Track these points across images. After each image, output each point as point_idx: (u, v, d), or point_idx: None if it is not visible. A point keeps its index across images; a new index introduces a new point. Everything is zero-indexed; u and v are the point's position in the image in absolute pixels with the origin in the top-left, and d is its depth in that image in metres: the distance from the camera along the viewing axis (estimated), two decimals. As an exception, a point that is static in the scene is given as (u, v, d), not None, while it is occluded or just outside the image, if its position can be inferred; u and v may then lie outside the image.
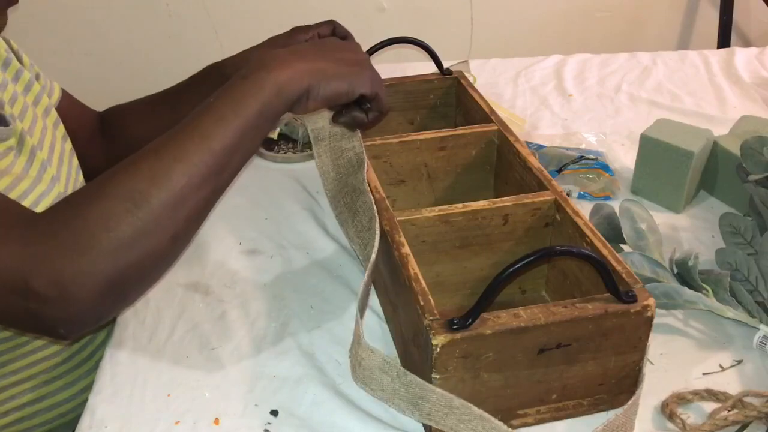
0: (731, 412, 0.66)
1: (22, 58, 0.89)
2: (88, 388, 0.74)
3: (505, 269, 0.58)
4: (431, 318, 0.60)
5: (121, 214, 0.56)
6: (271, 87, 0.63)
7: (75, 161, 0.90)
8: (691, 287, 0.77)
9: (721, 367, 0.73)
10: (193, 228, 0.62)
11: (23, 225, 0.57)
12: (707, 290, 0.77)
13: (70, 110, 0.95)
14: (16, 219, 0.58)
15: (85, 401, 0.71)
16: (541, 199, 0.76)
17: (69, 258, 0.55)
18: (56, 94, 0.94)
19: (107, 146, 0.99)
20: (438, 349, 0.59)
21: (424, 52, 0.99)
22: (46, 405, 0.83)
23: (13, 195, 0.72)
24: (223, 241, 0.91)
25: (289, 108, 0.66)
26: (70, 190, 0.84)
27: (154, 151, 0.60)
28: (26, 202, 0.73)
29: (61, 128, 0.89)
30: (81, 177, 0.90)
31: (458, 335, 0.59)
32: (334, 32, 0.90)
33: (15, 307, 0.56)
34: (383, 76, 1.02)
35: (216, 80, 0.90)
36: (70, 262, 0.55)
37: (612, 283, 0.61)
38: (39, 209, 0.73)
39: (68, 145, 0.89)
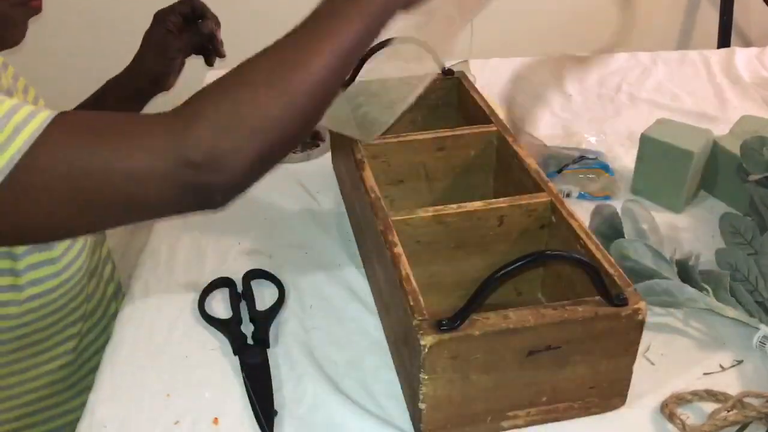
0: (731, 413, 0.66)
1: (8, 68, 0.87)
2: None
3: (494, 273, 0.58)
4: (420, 318, 0.60)
5: (268, 99, 0.62)
6: None
7: None
8: (691, 287, 0.77)
9: (721, 367, 0.73)
10: (322, 111, 0.68)
11: (168, 117, 0.62)
12: (707, 290, 0.77)
13: None
14: (155, 117, 0.63)
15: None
16: (537, 200, 0.76)
17: (223, 135, 0.61)
18: None
19: None
20: (426, 350, 0.59)
21: (425, 52, 0.99)
22: (41, 418, 0.83)
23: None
24: (222, 241, 0.91)
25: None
26: None
27: (292, 43, 0.65)
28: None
29: None
30: None
31: (447, 336, 0.59)
32: (192, 7, 0.96)
33: (178, 181, 0.61)
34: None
35: (118, 93, 0.99)
36: (224, 139, 0.60)
37: (602, 286, 0.61)
38: None
39: None
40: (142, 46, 0.98)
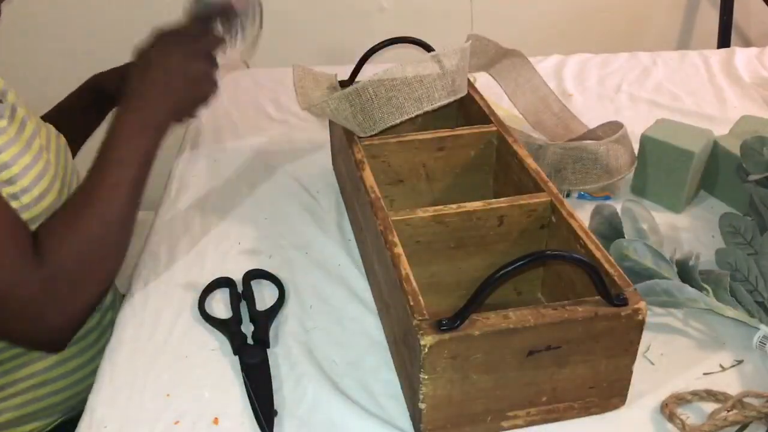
0: (731, 413, 0.66)
1: None
2: (83, 366, 0.77)
3: (495, 273, 0.58)
4: (420, 318, 0.60)
5: (109, 256, 0.75)
6: (149, 133, 0.77)
7: (69, 156, 0.91)
8: (691, 287, 0.77)
9: (721, 367, 0.73)
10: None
11: (30, 272, 0.69)
12: (707, 290, 0.77)
13: None
14: (15, 254, 0.69)
15: (84, 400, 0.71)
16: (537, 200, 0.76)
17: (77, 316, 0.74)
18: None
19: None
20: (426, 350, 0.59)
21: (425, 52, 0.99)
22: (44, 405, 0.83)
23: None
24: (223, 241, 0.91)
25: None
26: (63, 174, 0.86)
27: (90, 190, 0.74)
28: (33, 172, 0.78)
29: (52, 127, 0.90)
30: (75, 172, 0.91)
31: (447, 336, 0.59)
32: None
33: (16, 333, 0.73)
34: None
35: (96, 95, 1.02)
36: (78, 319, 0.74)
37: (602, 286, 0.61)
38: (42, 183, 0.78)
39: (62, 140, 0.90)
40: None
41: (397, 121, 0.84)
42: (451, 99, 0.86)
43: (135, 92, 0.78)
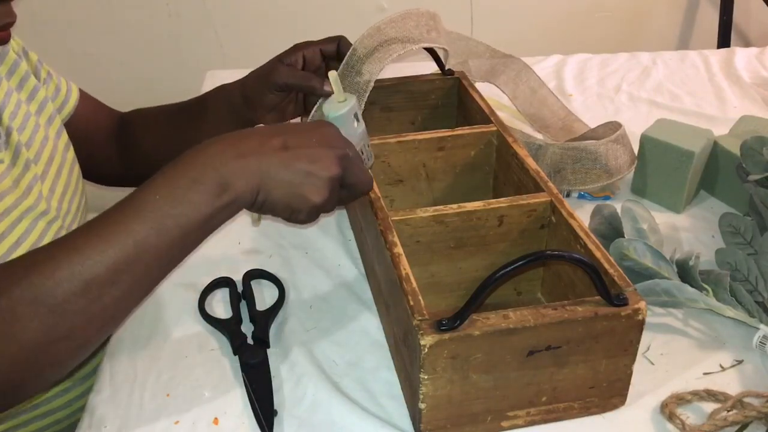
0: (731, 413, 0.66)
1: (29, 55, 0.87)
2: (85, 394, 0.74)
3: (495, 273, 0.58)
4: (420, 318, 0.60)
5: (27, 318, 0.51)
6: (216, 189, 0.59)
7: (76, 170, 0.88)
8: (691, 287, 0.77)
9: (721, 367, 0.73)
10: (105, 331, 0.57)
11: None
12: (707, 290, 0.77)
13: (86, 111, 0.94)
14: None
15: (81, 408, 0.71)
16: (537, 200, 0.76)
17: None
18: (74, 97, 0.93)
19: (121, 151, 0.97)
20: (426, 350, 0.59)
21: (425, 52, 0.99)
22: (41, 412, 0.83)
23: None
24: (222, 241, 0.91)
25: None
26: (65, 205, 0.83)
27: (72, 248, 0.54)
28: (9, 218, 0.73)
29: (64, 137, 0.88)
30: (81, 185, 0.89)
31: (446, 336, 0.59)
32: (338, 49, 0.85)
33: None
34: (384, 77, 1.02)
35: (223, 103, 0.89)
36: None
37: (602, 286, 0.61)
38: (22, 224, 0.74)
39: (70, 154, 0.88)
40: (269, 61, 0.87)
41: (387, 61, 0.82)
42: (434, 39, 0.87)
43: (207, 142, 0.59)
